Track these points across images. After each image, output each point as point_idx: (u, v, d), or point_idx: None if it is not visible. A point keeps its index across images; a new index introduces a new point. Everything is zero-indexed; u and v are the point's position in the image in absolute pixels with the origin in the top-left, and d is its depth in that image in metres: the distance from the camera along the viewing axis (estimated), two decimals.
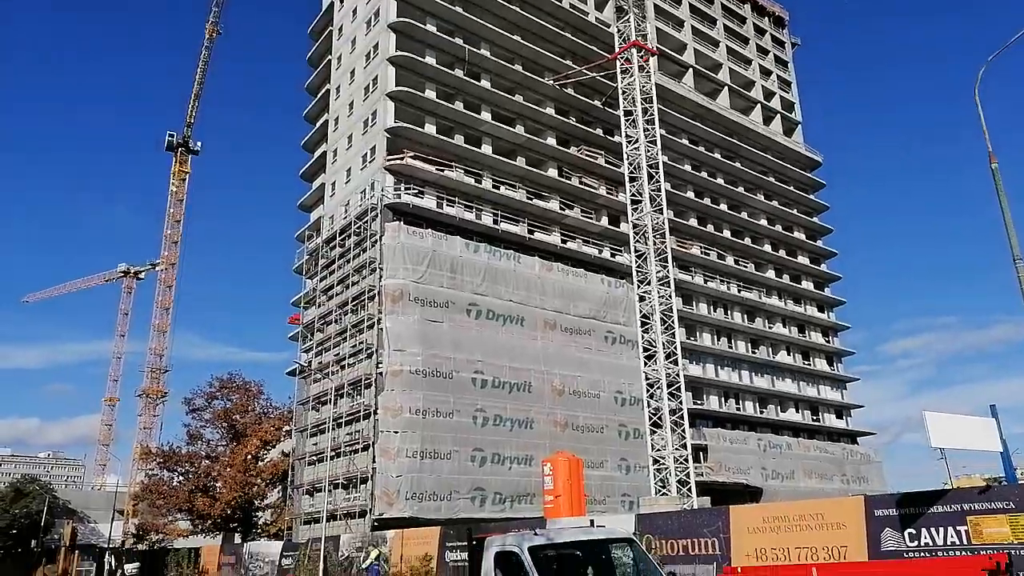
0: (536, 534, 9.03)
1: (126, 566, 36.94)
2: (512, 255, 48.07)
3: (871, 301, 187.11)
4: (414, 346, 41.69)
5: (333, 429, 44.13)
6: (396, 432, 39.89)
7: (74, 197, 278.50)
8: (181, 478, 50.60)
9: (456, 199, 47.75)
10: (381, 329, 41.95)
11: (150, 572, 39.12)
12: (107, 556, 36.64)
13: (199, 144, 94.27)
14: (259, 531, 49.71)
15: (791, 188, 71.48)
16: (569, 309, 48.93)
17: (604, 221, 55.07)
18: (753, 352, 63.37)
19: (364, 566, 27.32)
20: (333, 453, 43.32)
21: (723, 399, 59.96)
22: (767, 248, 67.13)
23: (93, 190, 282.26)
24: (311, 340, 49.86)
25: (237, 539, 47.42)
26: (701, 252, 61.14)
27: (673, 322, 44.39)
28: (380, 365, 41.32)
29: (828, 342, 70.31)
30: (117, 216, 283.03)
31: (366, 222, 45.51)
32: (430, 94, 48.50)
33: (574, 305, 49.29)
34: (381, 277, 43.06)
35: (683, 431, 42.03)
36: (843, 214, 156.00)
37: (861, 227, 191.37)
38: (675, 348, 43.82)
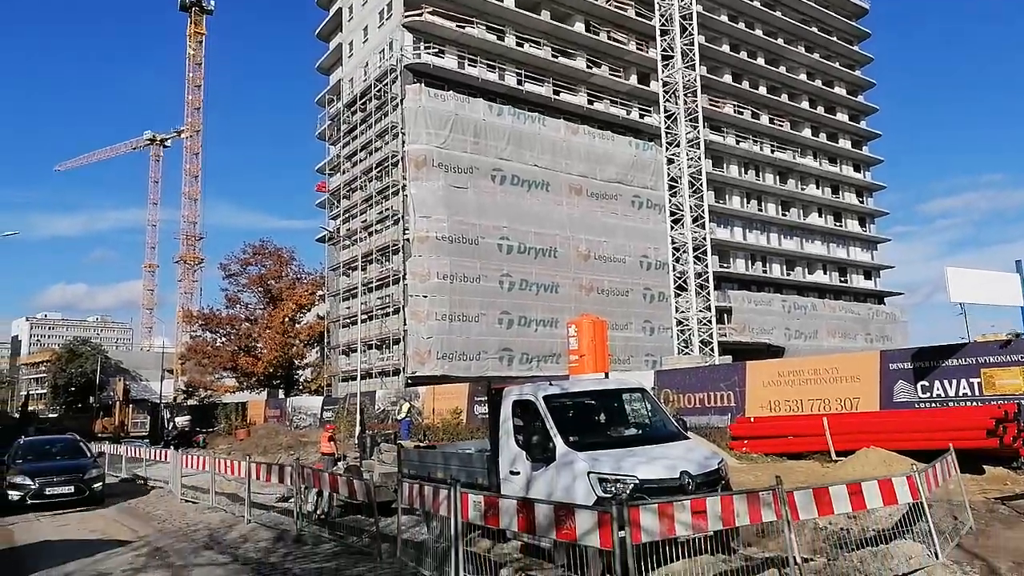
0: (551, 384, 9.43)
1: (177, 419, 39.65)
2: (537, 118, 46.77)
3: (912, 159, 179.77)
4: (439, 212, 41.81)
5: (364, 294, 45.37)
6: (425, 296, 40.92)
7: (96, 67, 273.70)
8: (224, 339, 53.16)
9: (478, 58, 45.93)
10: (406, 195, 41.97)
11: (200, 424, 42.01)
12: (161, 411, 39.36)
13: (212, 2, 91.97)
14: (300, 387, 52.67)
15: (834, 39, 67.24)
16: (595, 173, 48.15)
17: (633, 80, 52.83)
18: (783, 214, 62.41)
19: (399, 418, 28.98)
20: (365, 316, 44.79)
21: (750, 262, 59.86)
22: (804, 105, 64.27)
23: (115, 60, 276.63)
24: (338, 207, 50.21)
25: (280, 395, 50.35)
26: (734, 111, 58.84)
27: (702, 185, 43.46)
28: (407, 231, 41.72)
29: (862, 202, 68.80)
30: (141, 84, 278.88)
31: (386, 84, 44.29)
32: None
33: (600, 169, 48.43)
34: (404, 142, 42.50)
35: (708, 294, 42.33)
36: (887, 66, 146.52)
37: (906, 79, 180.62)
38: (703, 212, 43.25)
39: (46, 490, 14.69)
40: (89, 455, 17.26)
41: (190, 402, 54.58)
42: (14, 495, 14.63)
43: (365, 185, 46.36)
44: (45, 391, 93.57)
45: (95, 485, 15.38)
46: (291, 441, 31.03)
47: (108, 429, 45.04)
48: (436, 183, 42.16)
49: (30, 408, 77.74)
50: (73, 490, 14.91)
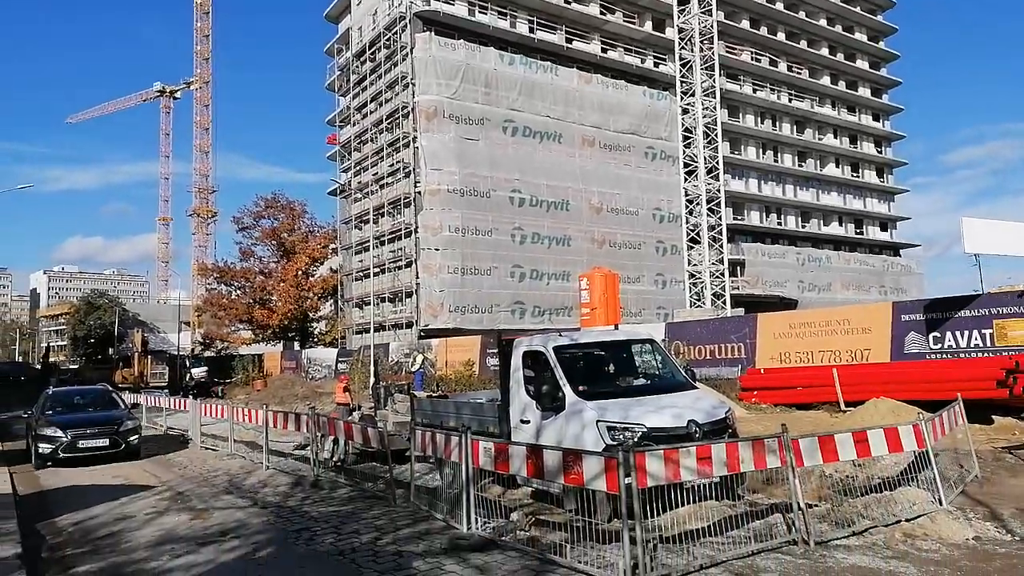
0: (561, 335, 9.53)
1: (194, 370, 40.37)
2: (549, 67, 45.94)
3: (934, 107, 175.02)
4: (451, 165, 41.54)
5: (376, 247, 45.47)
6: (437, 250, 40.99)
7: (104, 17, 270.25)
8: (238, 292, 53.68)
9: (489, 4, 44.95)
10: (417, 148, 41.66)
11: (218, 375, 42.80)
12: (180, 361, 40.11)
13: None
14: (315, 340, 53.32)
15: None
16: (608, 124, 47.47)
17: (648, 26, 51.59)
18: (800, 165, 61.49)
19: (412, 370, 29.36)
20: (378, 269, 44.98)
21: (764, 214, 59.26)
22: (824, 52, 62.62)
23: (123, 9, 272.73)
24: (349, 160, 49.97)
25: (296, 347, 51.03)
26: (752, 58, 57.47)
27: (717, 135, 42.84)
28: (418, 184, 41.55)
29: (880, 152, 67.57)
30: (150, 34, 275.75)
31: (395, 33, 43.53)
32: None
33: (614, 120, 47.72)
34: (414, 93, 41.99)
35: (721, 246, 42.11)
36: (910, 11, 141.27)
37: (929, 24, 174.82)
38: (717, 163, 42.70)
39: (79, 443, 13.80)
40: (123, 406, 16.33)
41: (207, 354, 55.46)
42: (44, 448, 13.73)
43: (375, 137, 46.01)
44: (65, 343, 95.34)
45: (131, 438, 14.55)
46: (307, 392, 31.59)
47: (128, 380, 45.96)
48: (447, 135, 41.78)
49: (51, 359, 79.39)
50: (108, 443, 14.04)
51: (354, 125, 49.49)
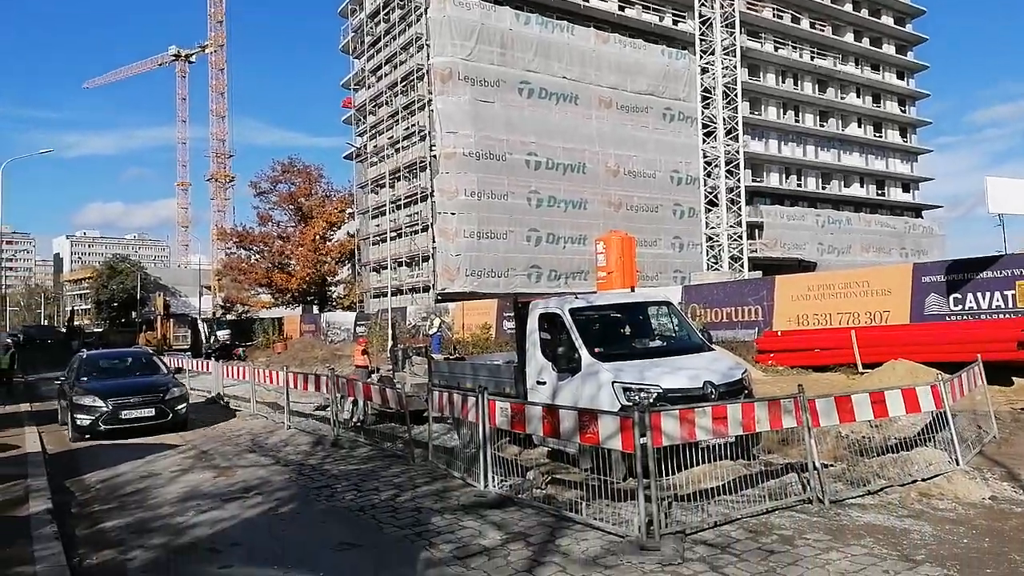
0: (577, 297, 9.54)
1: (218, 332, 40.92)
2: (565, 26, 45.11)
3: (962, 64, 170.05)
4: (466, 127, 41.20)
5: (393, 211, 45.48)
6: (453, 214, 40.90)
7: None
8: (257, 256, 54.12)
9: None
10: (432, 111, 41.32)
11: (239, 338, 43.36)
12: (203, 325, 40.64)
13: None
14: (334, 303, 53.80)
15: None
16: (626, 85, 46.70)
17: None
18: (821, 125, 60.30)
19: (430, 333, 29.56)
20: (395, 234, 45.06)
21: (784, 176, 58.38)
22: (847, 8, 60.90)
23: None
24: (364, 123, 49.70)
25: (315, 310, 51.50)
26: (773, 14, 56.05)
27: (736, 95, 42.00)
28: (433, 148, 41.31)
29: (904, 112, 66.04)
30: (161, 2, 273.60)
31: None
32: None
33: (631, 80, 46.92)
34: (429, 55, 41.48)
35: (739, 209, 41.61)
36: None
37: None
38: (737, 124, 41.95)
39: (121, 413, 12.36)
40: (165, 370, 15.00)
41: (228, 317, 56.18)
42: (83, 419, 12.32)
43: (391, 100, 45.66)
44: (89, 307, 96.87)
45: (179, 407, 13.09)
46: (326, 355, 31.92)
47: (151, 342, 46.69)
48: (462, 97, 41.36)
49: (76, 323, 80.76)
50: (154, 413, 12.61)
51: (369, 88, 49.10)
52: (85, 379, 13.64)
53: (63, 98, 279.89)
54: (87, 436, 12.36)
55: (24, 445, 11.35)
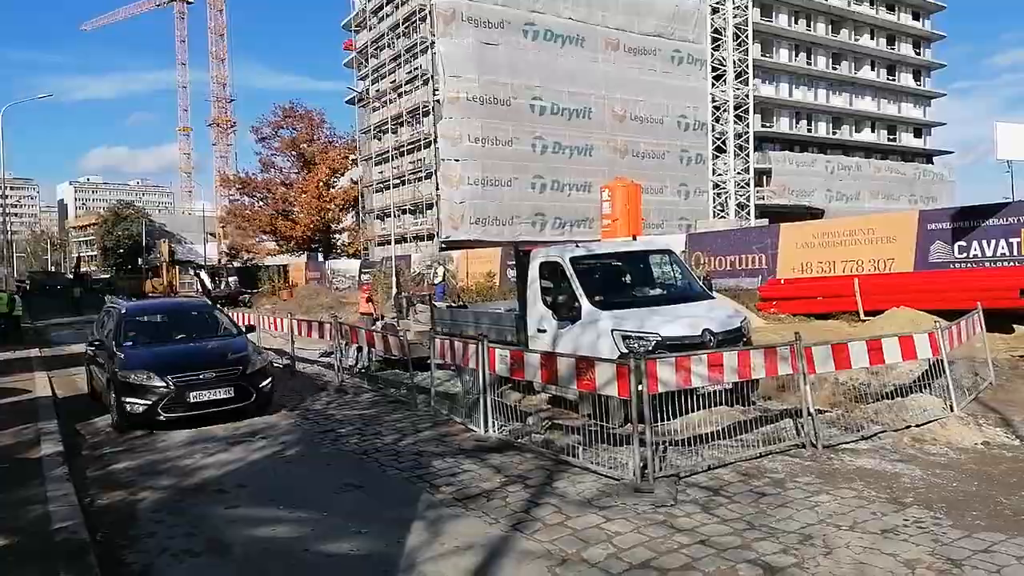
0: (577, 246, 9.53)
1: (228, 279, 41.18)
2: None
3: (984, 5, 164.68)
4: (470, 71, 40.44)
5: (396, 158, 45.07)
6: (457, 160, 40.51)
7: None
8: (261, 203, 53.99)
9: None
10: (435, 53, 40.50)
11: (244, 285, 43.66)
12: (202, 273, 40.82)
13: None
14: (338, 251, 53.88)
15: None
16: (634, 26, 45.55)
17: None
18: (833, 68, 58.96)
19: (434, 282, 29.65)
20: (398, 181, 44.76)
21: (794, 120, 57.42)
22: None
23: None
24: (366, 67, 48.81)
25: (319, 258, 51.62)
26: None
27: (747, 37, 41.01)
28: (437, 92, 40.65)
29: (919, 54, 64.43)
30: None
31: None
32: None
33: (640, 21, 45.74)
34: None
35: (747, 155, 41.10)
36: None
37: None
38: (747, 67, 41.07)
39: (189, 395, 8.74)
40: (235, 331, 10.80)
41: (234, 264, 56.41)
42: (135, 404, 8.69)
43: (393, 43, 44.74)
44: (95, 253, 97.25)
45: (263, 383, 9.38)
46: (331, 302, 32.14)
47: (158, 289, 47.07)
48: (466, 40, 40.47)
49: (82, 269, 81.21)
50: (233, 393, 8.99)
51: (370, 30, 48.07)
52: (131, 345, 9.68)
53: (61, 41, 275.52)
54: (141, 426, 8.77)
55: (34, 390, 11.55)
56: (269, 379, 9.69)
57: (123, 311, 10.66)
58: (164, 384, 8.78)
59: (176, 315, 11.42)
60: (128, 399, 8.75)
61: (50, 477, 6.42)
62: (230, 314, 13.66)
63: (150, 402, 8.71)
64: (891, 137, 63.17)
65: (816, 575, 4.16)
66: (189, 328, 10.68)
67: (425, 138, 41.36)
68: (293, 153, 53.12)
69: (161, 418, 8.71)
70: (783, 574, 4.19)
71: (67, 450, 7.56)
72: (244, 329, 11.40)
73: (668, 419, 6.43)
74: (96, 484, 6.69)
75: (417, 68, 41.82)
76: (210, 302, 13.40)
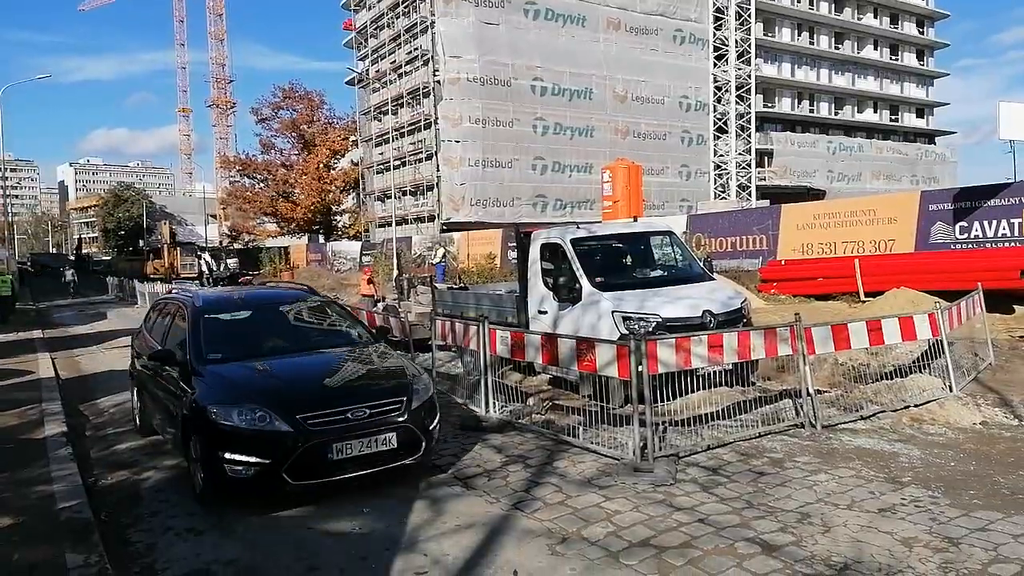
0: (578, 228, 9.51)
1: (228, 261, 41.24)
2: None
3: None
4: (470, 52, 40.16)
5: (396, 139, 44.88)
6: (457, 142, 40.35)
7: None
8: (261, 185, 53.86)
9: None
10: (435, 33, 40.18)
11: (246, 267, 43.69)
12: (206, 255, 40.84)
13: None
14: (339, 233, 53.82)
15: None
16: (635, 5, 45.14)
17: None
18: (836, 47, 58.50)
19: (434, 263, 29.69)
20: (399, 162, 44.61)
21: (796, 101, 57.06)
22: None
23: None
24: (366, 47, 48.46)
25: (320, 240, 51.58)
26: None
27: (750, 15, 40.69)
28: (437, 73, 40.38)
29: (922, 33, 63.88)
30: None
31: None
32: None
33: (641, 0, 45.33)
34: None
35: (749, 136, 40.94)
36: None
37: None
38: (749, 46, 40.76)
39: (331, 450, 5.31)
40: (366, 336, 7.25)
41: (235, 246, 56.40)
42: (243, 465, 5.25)
43: (392, 22, 44.37)
44: (96, 235, 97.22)
45: (432, 424, 5.95)
46: (333, 284, 32.16)
47: (159, 271, 47.03)
48: (466, 19, 40.14)
49: (84, 251, 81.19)
50: (396, 443, 5.55)
51: (370, 9, 47.65)
52: (221, 360, 6.03)
53: (59, 22, 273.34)
54: (251, 496, 5.40)
55: (38, 371, 11.60)
56: (437, 417, 6.04)
57: (198, 305, 6.80)
58: (292, 428, 5.23)
59: (277, 312, 7.19)
60: (231, 455, 5.19)
61: (54, 457, 6.46)
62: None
63: (268, 460, 5.18)
64: (893, 117, 62.81)
65: (814, 553, 4.20)
66: (300, 332, 6.98)
67: (425, 119, 41.15)
68: (293, 134, 52.92)
69: (290, 484, 5.23)
70: (781, 552, 4.23)
71: (71, 430, 7.61)
72: (377, 333, 7.77)
73: (668, 399, 6.46)
74: (100, 464, 6.75)
75: (417, 48, 41.52)
76: (312, 289, 8.44)
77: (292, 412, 5.29)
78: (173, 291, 8.82)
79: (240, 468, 5.21)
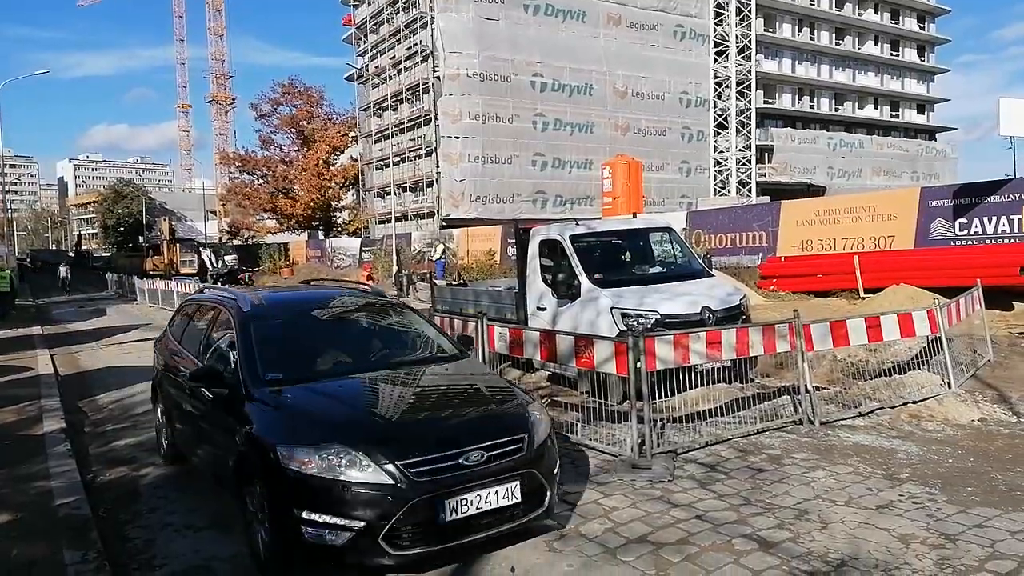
0: (577, 224, 9.50)
1: (226, 258, 41.22)
2: None
3: None
4: (470, 47, 40.08)
5: (396, 135, 44.83)
6: (457, 138, 40.29)
7: None
8: (261, 181, 53.81)
9: None
10: (435, 29, 40.10)
11: (245, 263, 43.66)
12: (205, 252, 40.80)
13: None
14: (339, 229, 53.79)
15: None
16: (635, 0, 45.02)
17: None
18: (837, 43, 58.39)
19: (434, 259, 29.70)
20: (398, 158, 44.57)
21: (796, 97, 56.98)
22: None
23: None
24: (365, 43, 48.40)
25: (320, 236, 51.56)
26: None
27: (750, 11, 40.63)
28: (436, 69, 40.32)
29: (923, 28, 63.75)
30: None
31: None
32: None
33: None
34: None
35: (749, 132, 40.91)
36: None
37: None
38: (750, 42, 40.71)
39: (443, 508, 3.85)
40: (454, 349, 5.53)
41: (235, 242, 56.35)
42: (329, 530, 3.78)
43: (392, 18, 44.29)
44: (96, 231, 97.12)
45: (555, 469, 4.44)
46: (332, 280, 32.20)
47: (159, 267, 46.99)
48: (465, 15, 40.05)
49: (84, 247, 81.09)
50: (519, 494, 4.10)
51: (369, 4, 47.57)
52: (279, 383, 4.58)
53: (58, 17, 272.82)
54: (334, 566, 3.98)
55: (37, 367, 11.60)
56: (557, 463, 4.55)
57: (246, 310, 5.34)
58: (393, 480, 3.86)
59: (347, 319, 5.66)
60: (308, 514, 3.83)
61: (53, 454, 6.46)
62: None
63: (362, 523, 3.79)
64: (894, 114, 62.74)
65: (811, 550, 4.20)
66: (377, 344, 5.59)
67: (425, 115, 41.10)
68: (292, 130, 52.85)
69: (387, 559, 3.85)
70: (778, 548, 4.23)
71: (70, 426, 7.61)
72: (463, 342, 5.93)
73: (666, 396, 6.46)
74: (99, 460, 6.74)
75: (416, 44, 41.44)
76: (380, 289, 7.76)
77: (392, 456, 3.87)
78: (205, 290, 7.92)
79: (324, 532, 3.79)
